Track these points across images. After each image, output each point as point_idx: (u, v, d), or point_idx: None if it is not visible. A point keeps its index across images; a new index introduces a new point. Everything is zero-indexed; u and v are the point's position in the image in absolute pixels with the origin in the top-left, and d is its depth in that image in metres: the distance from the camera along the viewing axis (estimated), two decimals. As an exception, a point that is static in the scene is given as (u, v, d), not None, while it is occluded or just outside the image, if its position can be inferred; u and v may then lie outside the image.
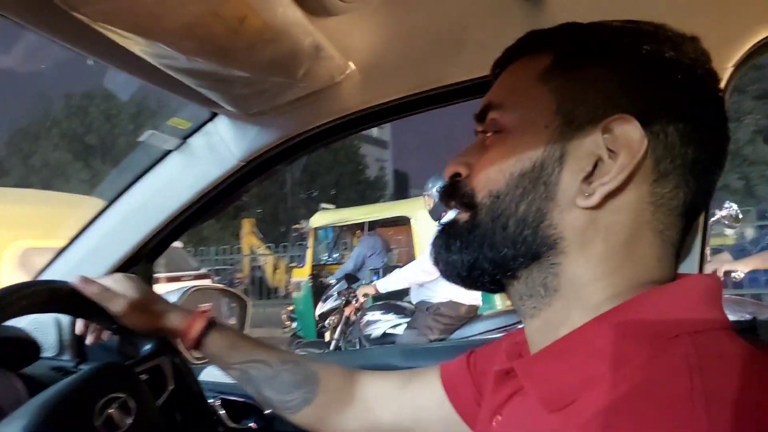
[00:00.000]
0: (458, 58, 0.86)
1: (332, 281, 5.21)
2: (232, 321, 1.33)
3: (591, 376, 0.39)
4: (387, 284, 3.28)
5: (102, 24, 0.58)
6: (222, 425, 1.01)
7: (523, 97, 0.48)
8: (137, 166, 1.05)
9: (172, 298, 1.10)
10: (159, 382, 0.79)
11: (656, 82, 0.44)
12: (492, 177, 0.47)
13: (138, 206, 1.05)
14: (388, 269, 4.84)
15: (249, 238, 11.74)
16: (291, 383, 0.73)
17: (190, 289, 1.20)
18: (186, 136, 1.00)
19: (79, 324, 0.83)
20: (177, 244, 4.74)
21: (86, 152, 19.44)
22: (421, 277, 3.06)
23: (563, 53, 0.47)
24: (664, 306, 0.41)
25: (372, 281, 3.88)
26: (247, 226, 11.89)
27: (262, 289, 11.35)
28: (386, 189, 28.16)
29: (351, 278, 4.25)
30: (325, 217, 6.46)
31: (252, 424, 1.03)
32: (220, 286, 1.24)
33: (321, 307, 4.59)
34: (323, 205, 6.67)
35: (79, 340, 1.08)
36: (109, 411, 0.66)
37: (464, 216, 0.50)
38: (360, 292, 3.52)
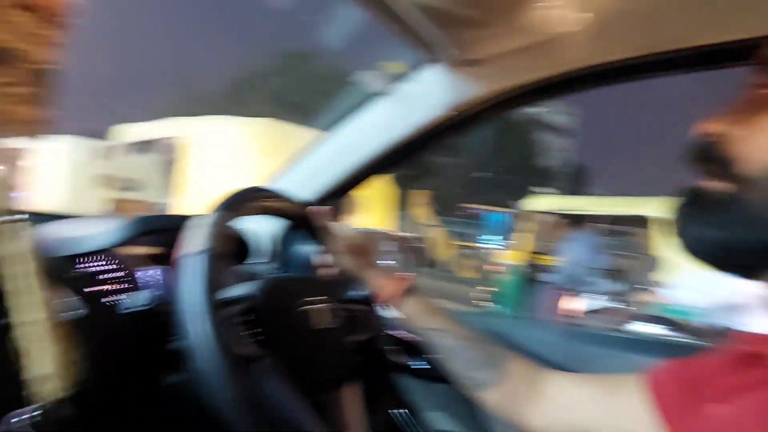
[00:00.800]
0: (713, 14, 0.73)
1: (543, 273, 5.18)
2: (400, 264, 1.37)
3: None
4: (683, 294, 2.91)
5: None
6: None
7: None
8: (350, 105, 1.12)
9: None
10: (360, 324, 0.85)
11: None
12: None
13: (349, 142, 1.11)
14: (614, 273, 4.53)
15: (421, 209, 12.08)
16: (478, 360, 0.73)
17: (365, 230, 1.27)
18: (400, 82, 1.03)
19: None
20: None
21: (288, 109, 21.68)
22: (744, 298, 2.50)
23: None
24: None
25: (593, 284, 3.64)
26: (423, 197, 12.22)
27: (422, 260, 11.70)
28: (562, 181, 26.61)
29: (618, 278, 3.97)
30: (542, 201, 6.01)
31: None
32: (391, 231, 1.27)
33: (572, 303, 4.48)
34: (533, 188, 6.53)
35: (282, 252, 1.23)
36: (310, 307, 0.73)
37: (724, 186, 0.42)
38: (640, 296, 3.24)
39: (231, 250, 1.01)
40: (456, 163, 20.57)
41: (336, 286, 0.83)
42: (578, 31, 0.80)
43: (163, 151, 5.72)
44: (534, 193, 7.13)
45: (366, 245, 0.85)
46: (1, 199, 0.59)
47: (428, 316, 0.78)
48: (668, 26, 0.78)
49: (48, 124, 0.46)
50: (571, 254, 5.01)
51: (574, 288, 4.60)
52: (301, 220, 0.84)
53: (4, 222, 0.53)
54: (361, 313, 0.85)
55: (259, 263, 1.19)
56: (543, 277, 5.34)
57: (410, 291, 0.79)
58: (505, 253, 6.11)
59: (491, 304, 5.69)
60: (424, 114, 1.01)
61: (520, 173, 22.37)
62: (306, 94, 21.26)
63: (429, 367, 1.01)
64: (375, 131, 1.09)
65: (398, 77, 1.04)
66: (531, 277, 5.54)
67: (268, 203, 0.79)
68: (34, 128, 0.46)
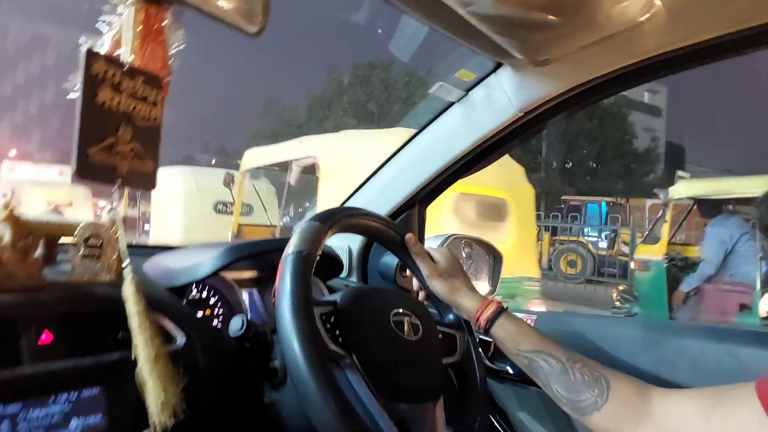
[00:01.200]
0: None
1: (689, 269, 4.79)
2: (485, 272, 1.37)
3: None
4: None
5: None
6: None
7: None
8: (424, 116, 1.15)
9: (434, 243, 1.19)
10: (450, 347, 0.86)
11: None
12: None
13: (420, 154, 1.15)
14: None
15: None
16: (581, 383, 0.70)
17: (451, 236, 1.28)
18: (469, 88, 1.05)
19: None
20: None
21: (367, 117, 22.12)
22: None
23: None
24: None
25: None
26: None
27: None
28: (657, 163, 24.73)
29: None
30: (692, 187, 5.21)
31: (508, 368, 1.07)
32: (478, 237, 1.27)
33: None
34: (680, 173, 5.80)
35: (363, 266, 1.28)
36: (402, 318, 0.76)
37: None
38: None
39: (322, 264, 1.08)
40: (550, 156, 19.84)
41: (427, 308, 0.84)
42: (645, 21, 0.78)
43: (285, 173, 5.72)
44: (680, 178, 5.92)
45: (456, 268, 0.87)
46: (114, 242, 0.70)
47: (521, 339, 0.76)
48: (737, 5, 0.74)
49: (155, 176, 0.54)
50: (718, 244, 4.50)
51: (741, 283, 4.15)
52: (396, 245, 0.88)
53: (125, 265, 0.62)
54: (453, 336, 0.86)
55: (349, 281, 1.25)
56: (688, 272, 4.90)
57: (500, 313, 0.79)
58: (643, 247, 5.56)
59: (631, 307, 5.16)
60: (496, 118, 1.02)
61: (611, 159, 21.13)
62: (382, 102, 21.58)
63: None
64: (449, 140, 1.11)
65: (469, 85, 1.06)
66: (674, 273, 5.04)
67: (367, 222, 0.84)
68: (147, 180, 0.54)
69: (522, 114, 0.98)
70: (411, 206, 1.22)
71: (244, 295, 0.99)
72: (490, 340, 0.93)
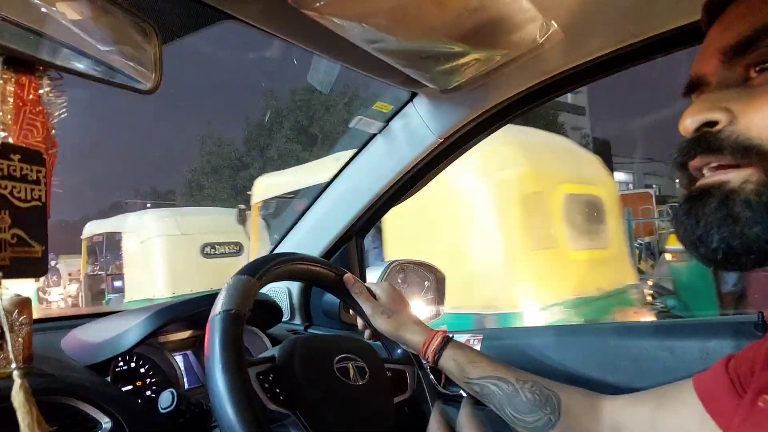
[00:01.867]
0: (666, 3, 0.73)
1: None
2: (430, 295, 1.36)
3: None
4: None
5: (327, 16, 0.64)
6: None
7: None
8: (348, 149, 1.15)
9: (375, 274, 1.17)
10: (400, 384, 0.84)
11: None
12: None
13: (349, 188, 1.14)
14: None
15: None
16: (532, 402, 0.70)
17: (391, 263, 1.27)
18: (388, 120, 1.06)
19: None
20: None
21: (311, 141, 21.95)
22: None
23: None
24: None
25: None
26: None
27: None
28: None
29: None
30: None
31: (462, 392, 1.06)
32: (419, 260, 1.27)
33: None
34: None
35: (306, 307, 1.24)
36: (346, 364, 0.73)
37: (751, 174, 0.40)
38: None
39: (261, 314, 1.04)
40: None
41: (372, 347, 0.82)
42: (545, 42, 0.80)
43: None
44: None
45: (398, 302, 0.85)
46: (19, 328, 0.64)
47: (470, 367, 0.75)
48: (625, 21, 0.78)
49: (46, 260, 0.49)
50: None
51: None
52: (336, 286, 0.86)
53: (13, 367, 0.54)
54: (403, 371, 0.84)
55: (292, 325, 1.21)
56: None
57: (446, 343, 0.78)
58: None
59: (665, 301, 4.92)
60: (417, 146, 1.03)
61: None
62: (324, 125, 21.49)
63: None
64: (375, 171, 1.11)
65: (388, 116, 1.06)
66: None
67: (303, 267, 0.81)
68: (36, 266, 0.49)
69: (441, 140, 0.99)
70: (348, 239, 1.20)
71: (178, 359, 0.93)
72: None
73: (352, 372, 0.73)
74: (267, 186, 5.43)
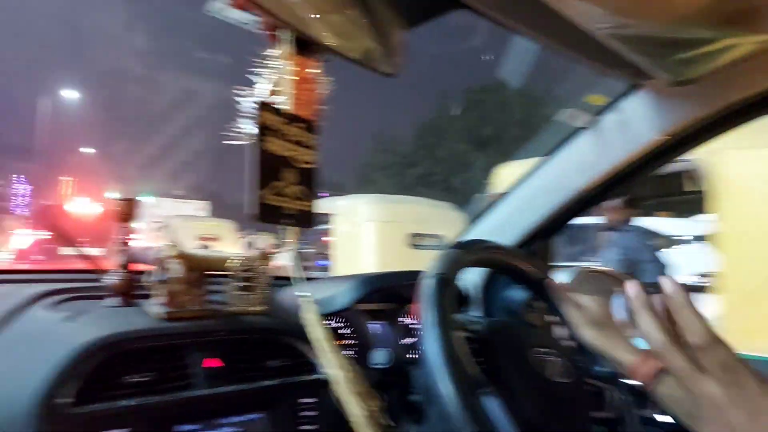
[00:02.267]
0: None
1: None
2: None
3: None
4: None
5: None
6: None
7: None
8: (550, 143, 1.12)
9: (564, 278, 1.11)
10: (596, 401, 0.80)
11: None
12: None
13: (548, 182, 1.11)
14: None
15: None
16: None
17: (581, 270, 1.19)
18: (599, 112, 1.00)
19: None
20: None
21: (482, 141, 21.60)
22: None
23: None
24: None
25: None
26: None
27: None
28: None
29: None
30: None
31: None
32: (611, 270, 1.17)
33: None
34: None
35: (488, 299, 1.24)
36: (544, 357, 0.74)
37: None
38: None
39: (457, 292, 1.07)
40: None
41: (575, 354, 0.80)
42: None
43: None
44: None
45: (606, 315, 0.77)
46: (264, 275, 0.76)
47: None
48: None
49: (315, 215, 0.58)
50: None
51: None
52: (539, 287, 0.84)
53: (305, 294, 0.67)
54: (600, 389, 0.81)
55: (471, 316, 1.22)
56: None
57: (665, 372, 0.65)
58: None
59: None
60: (632, 144, 0.96)
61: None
62: (498, 126, 20.95)
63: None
64: (578, 168, 1.06)
65: (599, 109, 1.01)
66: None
67: (507, 260, 0.82)
68: (308, 219, 0.58)
69: (664, 138, 0.91)
70: (538, 237, 1.17)
71: (374, 328, 1.01)
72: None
73: (551, 367, 0.73)
74: (513, 175, 5.18)
